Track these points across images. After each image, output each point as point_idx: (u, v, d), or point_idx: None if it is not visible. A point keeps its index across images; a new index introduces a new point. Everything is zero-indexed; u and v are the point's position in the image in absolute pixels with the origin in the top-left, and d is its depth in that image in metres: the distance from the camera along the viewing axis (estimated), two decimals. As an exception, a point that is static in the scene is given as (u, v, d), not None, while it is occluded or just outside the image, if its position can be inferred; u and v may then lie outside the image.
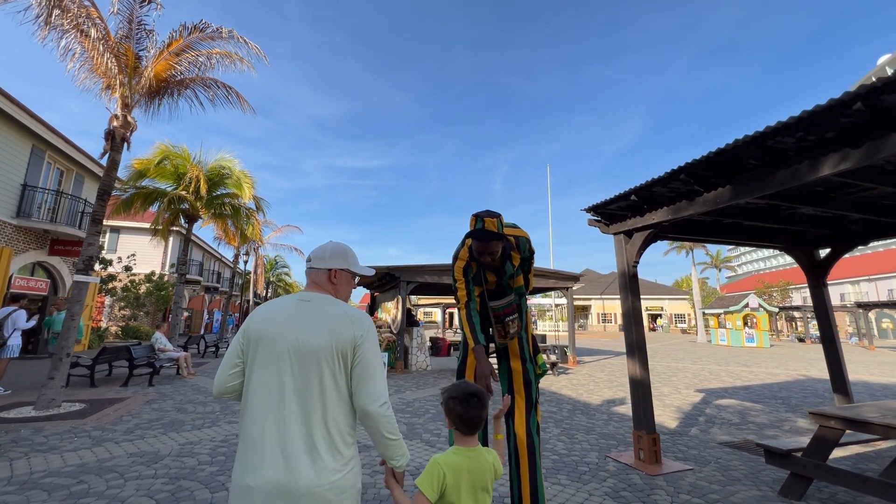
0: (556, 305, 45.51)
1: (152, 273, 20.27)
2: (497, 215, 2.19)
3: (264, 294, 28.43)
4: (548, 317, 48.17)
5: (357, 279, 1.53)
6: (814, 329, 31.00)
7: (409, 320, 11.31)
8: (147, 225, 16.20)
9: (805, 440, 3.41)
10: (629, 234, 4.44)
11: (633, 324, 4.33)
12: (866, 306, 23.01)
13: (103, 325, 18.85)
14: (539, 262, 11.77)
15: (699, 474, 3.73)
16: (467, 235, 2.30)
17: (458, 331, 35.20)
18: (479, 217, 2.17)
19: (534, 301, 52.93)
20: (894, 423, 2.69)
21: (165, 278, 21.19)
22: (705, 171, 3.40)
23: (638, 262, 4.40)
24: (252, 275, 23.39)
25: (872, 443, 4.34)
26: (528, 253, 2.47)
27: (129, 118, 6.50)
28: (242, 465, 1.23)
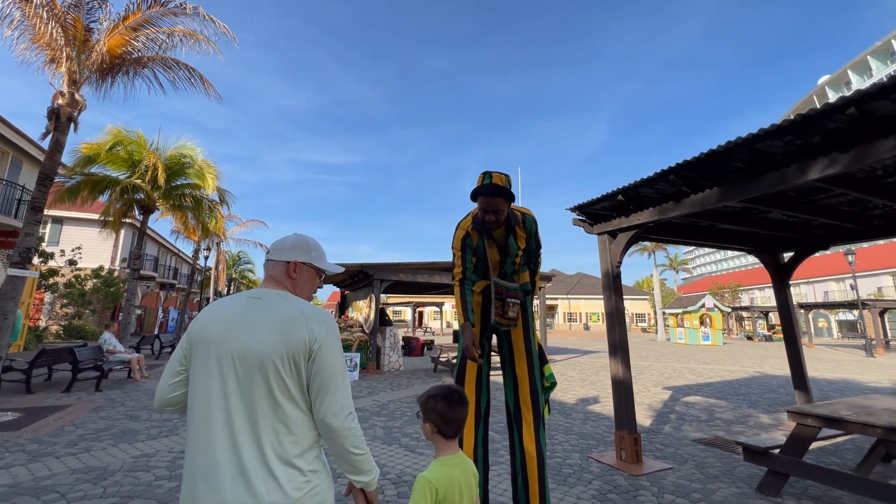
0: (525, 305, 46.24)
1: (100, 268, 18.76)
2: (506, 174, 2.10)
3: (225, 291, 27.02)
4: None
5: (322, 277, 1.39)
6: (760, 328, 33.18)
7: (382, 320, 11.03)
8: (95, 216, 14.94)
9: (775, 436, 3.52)
10: (613, 234, 4.44)
11: (616, 324, 4.34)
12: (806, 307, 24.81)
13: (42, 324, 17.25)
14: None
15: (679, 473, 3.77)
16: (473, 193, 2.14)
17: (428, 330, 34.88)
18: (487, 173, 2.09)
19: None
20: (869, 420, 2.79)
21: (115, 274, 19.68)
22: (693, 173, 3.43)
23: (621, 262, 4.41)
24: (213, 271, 22.18)
25: (831, 438, 4.57)
26: (534, 234, 2.32)
27: (76, 96, 5.88)
28: (187, 494, 1.08)
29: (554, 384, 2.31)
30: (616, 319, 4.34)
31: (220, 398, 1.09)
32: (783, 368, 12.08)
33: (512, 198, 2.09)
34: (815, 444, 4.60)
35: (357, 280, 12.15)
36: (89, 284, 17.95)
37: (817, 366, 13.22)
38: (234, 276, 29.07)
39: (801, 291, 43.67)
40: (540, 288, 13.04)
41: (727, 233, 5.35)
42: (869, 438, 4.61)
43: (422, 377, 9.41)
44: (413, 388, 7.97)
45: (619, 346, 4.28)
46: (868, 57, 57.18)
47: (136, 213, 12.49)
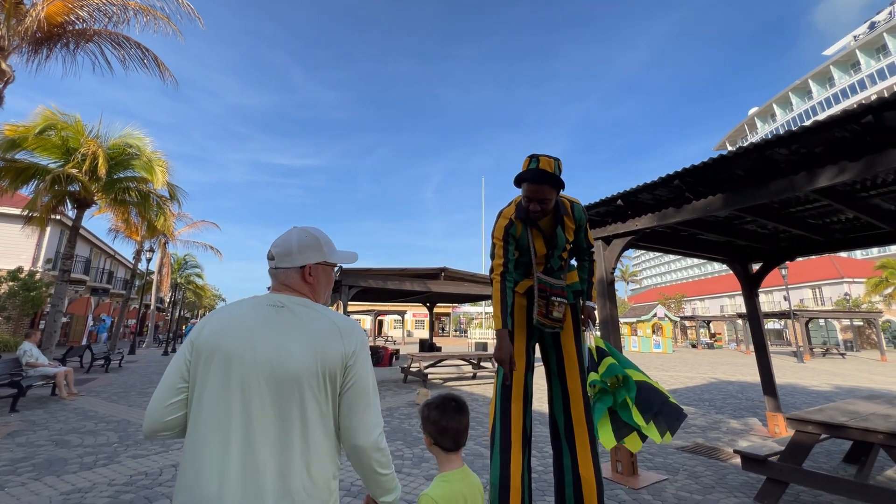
0: (486, 314, 46.67)
1: (19, 269, 16.54)
2: (558, 159, 1.86)
3: (169, 297, 24.69)
4: (475, 324, 49.16)
5: (338, 271, 1.11)
6: (703, 336, 35.50)
7: (349, 328, 10.48)
8: (16, 210, 13.15)
9: (757, 442, 3.54)
10: (608, 240, 4.39)
11: (610, 333, 4.25)
12: (744, 316, 26.86)
13: (-59, 333, 14.85)
14: (472, 271, 11.74)
15: (676, 484, 3.70)
16: (517, 178, 1.89)
17: (390, 339, 33.96)
18: (534, 156, 1.85)
19: (462, 309, 53.90)
20: (870, 426, 2.83)
21: (38, 276, 17.43)
22: (695, 180, 3.42)
23: (616, 269, 4.36)
24: (156, 275, 20.27)
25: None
26: (584, 226, 2.10)
27: (2, 65, 5.05)
28: None
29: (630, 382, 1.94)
30: (611, 327, 4.26)
31: (240, 423, 0.93)
32: (735, 374, 12.81)
33: (561, 185, 1.87)
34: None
35: (322, 286, 11.51)
36: (4, 288, 15.76)
37: (755, 370, 14.15)
38: (179, 280, 26.76)
39: (736, 303, 47.35)
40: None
41: (706, 242, 5.50)
42: (837, 442, 4.84)
43: (392, 389, 8.97)
44: (384, 402, 7.52)
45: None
46: (790, 93, 64.04)
47: (69, 207, 11.09)
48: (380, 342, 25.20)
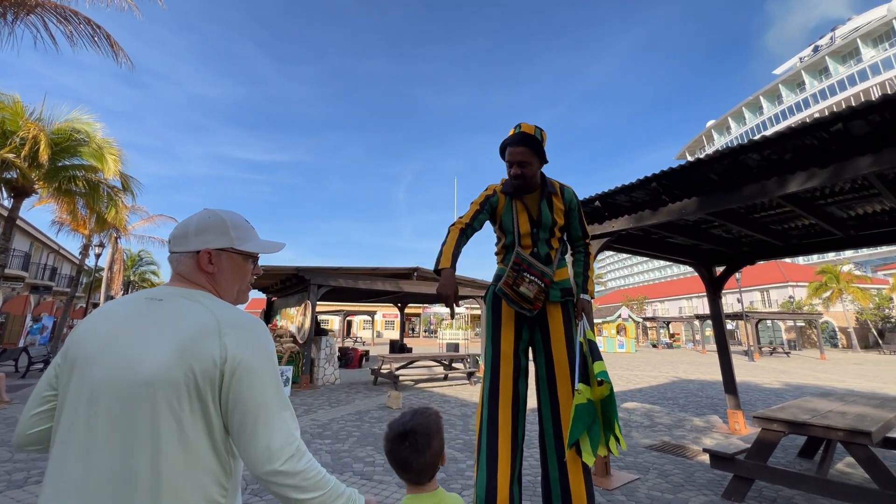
0: (456, 314, 46.64)
1: (-56, 264, 14.93)
2: (540, 127, 1.86)
3: (121, 295, 23.06)
4: (445, 325, 49.19)
5: (254, 263, 1.03)
6: (663, 337, 37.10)
7: (318, 329, 10.12)
8: (-59, 198, 11.82)
9: (722, 440, 3.65)
10: (584, 241, 4.40)
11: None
12: (701, 318, 28.25)
13: None
14: None
15: (647, 483, 3.74)
16: (501, 146, 1.90)
17: (359, 340, 33.35)
18: (518, 124, 1.87)
19: (433, 310, 53.81)
20: (831, 424, 2.94)
21: (-34, 272, 15.79)
22: (671, 183, 3.47)
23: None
24: (106, 272, 18.88)
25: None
26: (576, 210, 2.04)
27: (-76, 33, 4.48)
28: None
29: (608, 388, 1.79)
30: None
31: (84, 441, 0.76)
32: (694, 373, 13.39)
33: (542, 152, 1.86)
34: (743, 445, 4.97)
35: (289, 285, 11.07)
36: (-74, 284, 14.17)
37: (714, 370, 14.89)
38: (132, 278, 25.04)
39: (693, 304, 49.82)
40: (481, 297, 13.05)
41: (675, 246, 5.66)
42: (791, 438, 5.07)
43: (362, 391, 8.72)
44: (354, 404, 7.29)
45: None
46: (743, 108, 68.18)
47: (4, 195, 10.09)
48: (348, 343, 24.63)
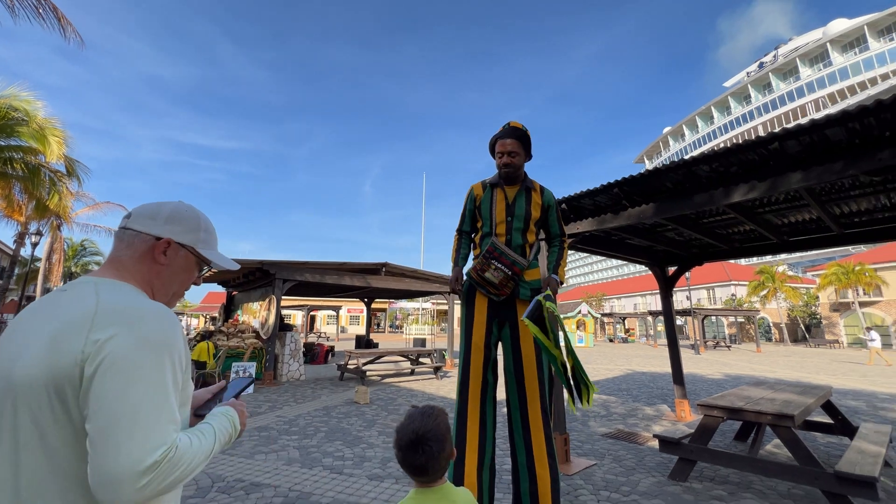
0: (422, 309, 46.86)
1: None
2: (525, 127, 2.15)
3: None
4: (412, 320, 49.20)
5: (203, 272, 0.99)
6: (619, 332, 39.00)
7: (282, 324, 9.89)
8: None
9: (676, 429, 4.00)
10: (551, 241, 4.62)
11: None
12: (654, 314, 29.98)
13: None
14: (411, 265, 11.52)
15: (603, 468, 4.02)
16: (491, 141, 2.18)
17: (323, 335, 32.78)
18: (507, 122, 2.16)
19: (399, 305, 53.64)
20: (761, 409, 3.31)
21: None
22: (632, 189, 3.73)
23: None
24: (43, 262, 17.37)
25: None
26: (554, 208, 2.28)
27: None
28: None
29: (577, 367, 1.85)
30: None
31: None
32: (647, 366, 14.23)
33: (529, 147, 2.14)
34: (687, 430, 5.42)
35: (253, 279, 10.72)
36: None
37: (665, 362, 15.90)
38: (73, 269, 23.16)
39: (647, 301, 52.64)
40: (450, 293, 13.22)
41: (633, 247, 6.03)
42: (728, 423, 5.57)
43: (328, 387, 8.64)
44: (321, 400, 7.24)
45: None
46: (696, 117, 72.33)
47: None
48: (312, 338, 24.10)
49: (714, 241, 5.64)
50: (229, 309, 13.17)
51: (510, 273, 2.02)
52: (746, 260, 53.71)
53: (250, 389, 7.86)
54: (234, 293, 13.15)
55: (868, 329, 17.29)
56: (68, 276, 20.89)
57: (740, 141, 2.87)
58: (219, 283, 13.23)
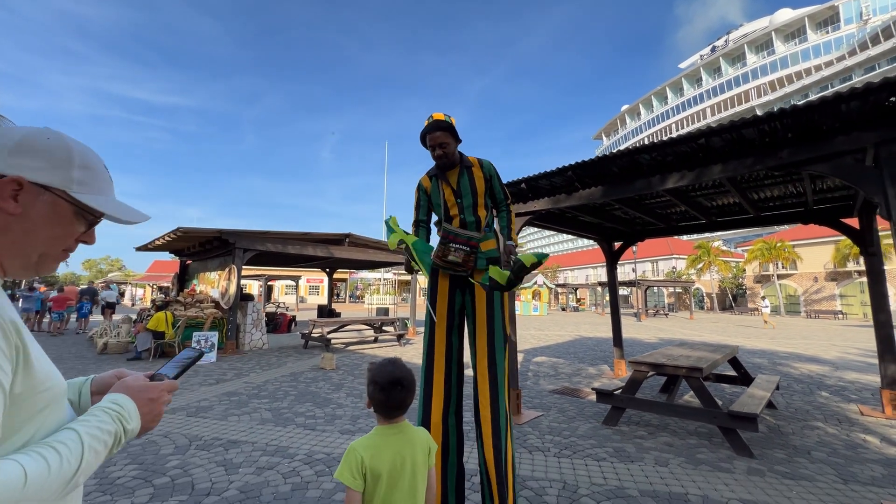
0: (383, 279, 46.98)
1: None
2: (447, 114, 2.28)
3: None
4: (373, 290, 49.29)
5: (87, 226, 0.71)
6: (571, 301, 41.41)
7: (243, 294, 9.79)
8: None
9: (604, 382, 4.64)
10: (510, 217, 4.98)
11: (510, 299, 4.92)
12: (604, 285, 32.08)
13: None
14: (373, 237, 11.60)
15: (549, 418, 4.61)
16: (420, 137, 2.31)
17: (282, 305, 32.08)
18: (430, 115, 2.27)
19: (360, 275, 53.36)
20: (678, 364, 3.94)
21: None
22: (584, 173, 4.12)
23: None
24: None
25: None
26: (496, 177, 2.41)
27: None
28: None
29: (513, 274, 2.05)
30: (509, 295, 4.93)
31: None
32: (594, 332, 15.46)
33: (455, 133, 2.26)
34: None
35: (209, 248, 10.41)
36: None
37: (608, 329, 17.34)
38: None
39: (598, 273, 55.86)
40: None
41: (584, 223, 6.56)
42: (656, 379, 6.42)
43: (293, 355, 8.81)
44: (287, 367, 7.43)
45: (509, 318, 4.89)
46: (652, 96, 74.88)
47: None
48: (271, 308, 23.68)
49: (654, 220, 6.28)
50: (183, 279, 12.72)
51: (469, 249, 2.28)
52: (688, 236, 57.99)
53: (213, 357, 7.88)
54: (189, 262, 12.68)
55: (763, 298, 22.99)
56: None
57: (686, 124, 3.29)
58: (171, 252, 12.68)
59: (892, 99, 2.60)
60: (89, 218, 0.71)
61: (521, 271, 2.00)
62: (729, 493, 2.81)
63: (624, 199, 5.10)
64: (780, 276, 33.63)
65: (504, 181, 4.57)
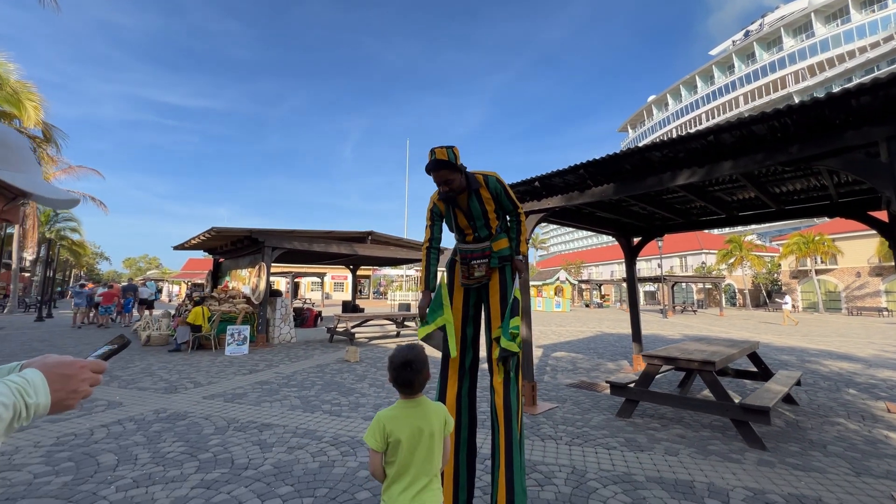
0: (406, 276, 47.58)
1: None
2: (451, 147, 2.33)
3: (34, 255, 20.72)
4: (395, 286, 50.04)
5: (19, 204, 0.76)
6: (595, 297, 40.77)
7: (272, 290, 10.29)
8: None
9: (629, 376, 4.72)
10: (525, 215, 5.11)
11: (523, 293, 5.06)
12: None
13: None
14: (395, 234, 11.92)
15: (563, 409, 4.74)
16: (426, 171, 2.38)
17: (308, 301, 33.13)
18: (431, 150, 2.31)
19: (382, 272, 54.27)
20: (691, 357, 4.00)
21: None
22: (596, 170, 4.20)
23: (529, 240, 5.13)
24: (17, 229, 16.99)
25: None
26: (502, 192, 2.48)
27: None
28: None
29: (517, 335, 2.35)
30: (522, 289, 5.07)
31: None
32: (616, 328, 15.31)
33: (458, 167, 2.34)
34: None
35: (240, 247, 10.97)
36: None
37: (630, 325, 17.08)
38: (48, 235, 22.57)
39: (623, 269, 54.68)
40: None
41: (601, 219, 6.59)
42: (676, 375, 6.41)
43: (319, 348, 9.22)
44: (313, 359, 7.81)
45: (524, 312, 5.04)
46: (680, 86, 72.24)
47: None
48: (297, 304, 24.55)
49: (673, 215, 6.25)
50: (217, 276, 13.41)
51: (487, 260, 2.52)
52: (719, 230, 55.91)
53: (245, 350, 8.35)
54: (221, 260, 13.36)
55: (783, 294, 22.55)
56: (43, 241, 20.46)
57: (717, 114, 3.35)
58: (205, 251, 13.40)
59: (904, 92, 2.60)
60: (7, 194, 0.72)
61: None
62: (735, 482, 2.89)
63: (641, 196, 5.14)
64: (818, 272, 32.04)
65: (521, 178, 4.74)
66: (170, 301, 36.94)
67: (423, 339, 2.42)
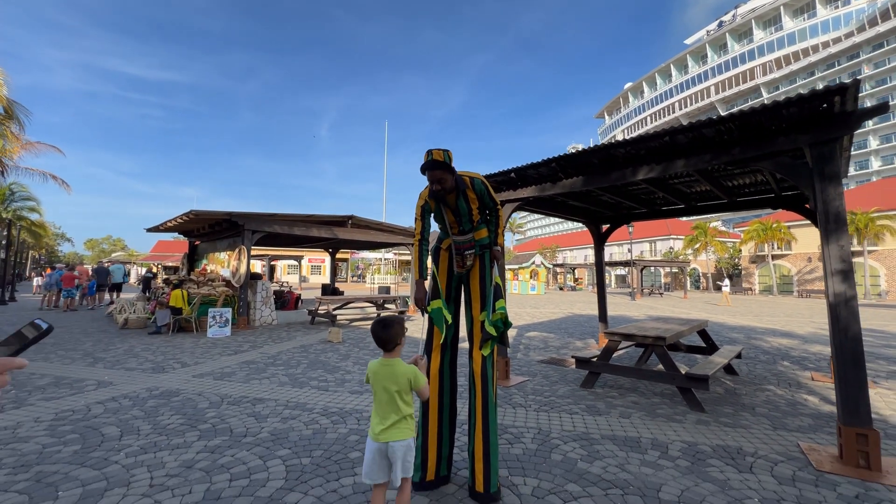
0: (384, 259, 47.63)
1: None
2: (446, 150, 2.61)
3: (-10, 236, 19.44)
4: (373, 270, 50.05)
5: None
6: (569, 281, 42.10)
7: (252, 274, 10.34)
8: None
9: (593, 352, 5.21)
10: (501, 204, 5.44)
11: (502, 277, 5.44)
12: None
13: None
14: (375, 217, 12.06)
15: (533, 382, 5.20)
16: (421, 169, 2.63)
17: (285, 284, 32.80)
18: (429, 151, 2.59)
19: (360, 255, 54.06)
20: (646, 333, 4.49)
21: None
22: (567, 164, 4.56)
23: (506, 226, 5.48)
24: (-28, 208, 16.01)
25: (624, 349, 6.82)
26: (486, 194, 2.76)
27: None
28: None
29: (505, 318, 2.66)
30: (501, 275, 5.44)
31: None
32: (586, 310, 16.08)
33: (451, 168, 2.61)
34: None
35: (218, 230, 10.89)
36: None
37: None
38: (3, 215, 21.27)
39: (590, 253, 56.42)
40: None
41: (573, 207, 7.02)
42: (637, 350, 7.01)
43: (301, 330, 9.42)
44: (297, 340, 8.03)
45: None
46: (656, 74, 73.57)
47: None
48: (275, 287, 24.39)
49: (638, 205, 6.74)
50: (193, 258, 13.25)
51: (474, 250, 2.86)
52: (686, 217, 58.22)
53: (227, 332, 8.47)
54: (198, 243, 13.19)
55: (725, 277, 27.15)
56: (6, 223, 19.42)
57: (690, 102, 3.72)
58: (181, 234, 13.17)
59: (824, 106, 3.04)
60: None
61: (507, 329, 2.69)
62: (674, 437, 3.39)
63: (609, 187, 5.55)
64: (774, 257, 34.15)
65: (498, 169, 5.05)
66: (138, 284, 35.77)
67: (431, 314, 2.73)
